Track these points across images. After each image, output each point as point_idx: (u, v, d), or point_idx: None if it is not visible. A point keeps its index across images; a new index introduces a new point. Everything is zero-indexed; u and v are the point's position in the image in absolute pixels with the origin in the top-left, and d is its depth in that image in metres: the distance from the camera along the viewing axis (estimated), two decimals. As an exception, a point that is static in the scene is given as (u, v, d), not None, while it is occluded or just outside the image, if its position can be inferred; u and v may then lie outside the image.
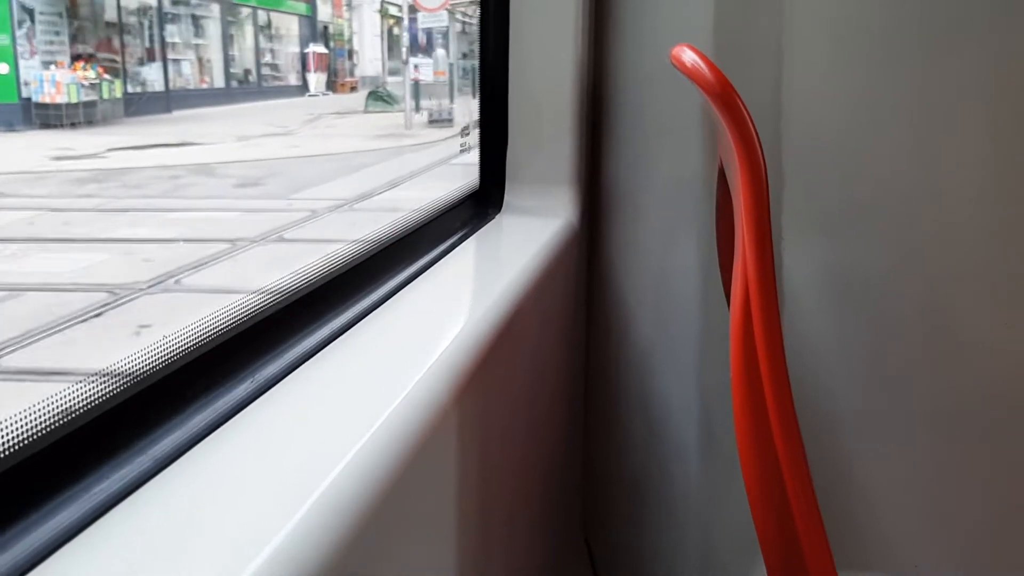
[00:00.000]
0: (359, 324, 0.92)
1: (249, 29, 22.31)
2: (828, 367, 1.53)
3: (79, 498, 0.55)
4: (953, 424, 1.51)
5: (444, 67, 18.66)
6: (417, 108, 17.06)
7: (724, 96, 0.71)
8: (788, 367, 0.82)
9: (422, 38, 20.24)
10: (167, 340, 0.70)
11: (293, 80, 22.62)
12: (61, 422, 0.59)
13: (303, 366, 0.80)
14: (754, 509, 0.84)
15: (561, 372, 1.51)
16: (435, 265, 1.19)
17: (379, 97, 20.31)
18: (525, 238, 1.39)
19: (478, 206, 1.52)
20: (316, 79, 22.18)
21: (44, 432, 0.58)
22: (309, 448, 0.67)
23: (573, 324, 1.58)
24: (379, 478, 0.64)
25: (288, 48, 22.82)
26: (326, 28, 23.53)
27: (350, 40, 24.35)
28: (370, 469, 0.64)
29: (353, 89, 23.63)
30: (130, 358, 0.66)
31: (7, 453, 0.55)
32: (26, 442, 0.56)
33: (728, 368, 0.84)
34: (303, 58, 22.36)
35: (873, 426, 1.54)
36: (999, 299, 1.47)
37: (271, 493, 0.60)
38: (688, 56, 0.75)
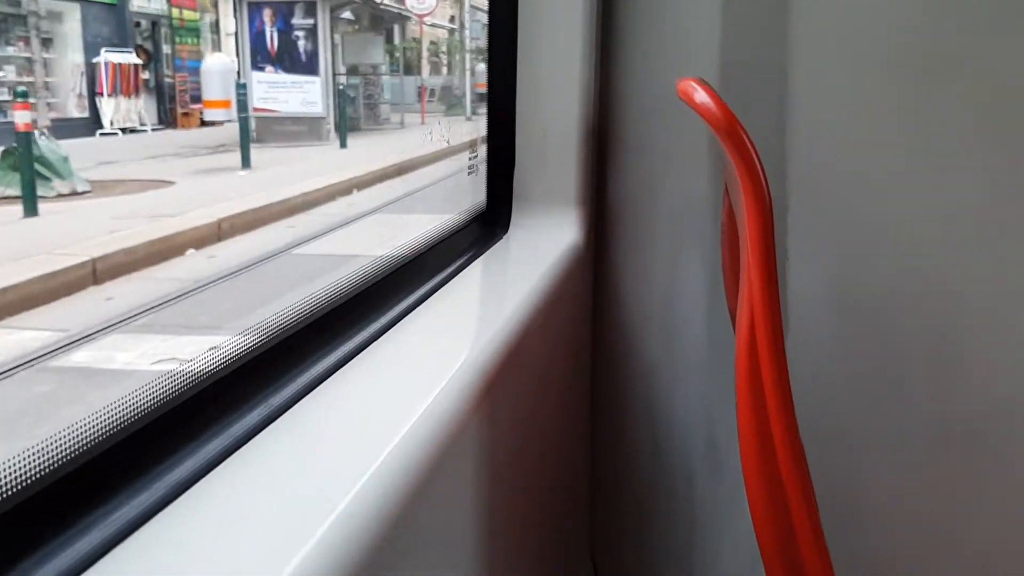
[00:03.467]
0: (368, 349, 0.94)
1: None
2: (832, 384, 1.54)
3: (98, 525, 0.56)
4: (958, 440, 1.52)
5: (318, 95, 12.71)
6: (246, 162, 9.70)
7: (731, 132, 0.73)
8: (792, 385, 0.83)
9: (274, 40, 13.30)
10: (182, 368, 0.72)
11: (74, 109, 12.18)
12: (79, 450, 0.60)
13: (314, 392, 0.81)
14: (757, 527, 0.85)
15: (567, 392, 1.52)
16: (443, 288, 1.20)
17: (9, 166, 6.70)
18: (532, 259, 1.40)
19: (485, 227, 1.54)
20: (115, 107, 12.03)
21: (62, 461, 0.59)
22: (322, 473, 0.68)
23: (579, 345, 1.59)
24: (391, 501, 0.65)
25: (69, 57, 12.27)
26: (155, 25, 13.90)
27: (216, 44, 14.97)
28: (382, 493, 0.65)
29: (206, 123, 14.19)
30: (146, 386, 0.68)
31: (27, 483, 0.56)
32: (44, 472, 0.57)
33: (733, 388, 0.85)
34: (91, 73, 12.18)
35: (878, 442, 1.54)
36: (1003, 316, 1.48)
37: (286, 518, 0.61)
38: (696, 92, 0.76)
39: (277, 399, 0.77)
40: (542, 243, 1.47)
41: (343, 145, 12.34)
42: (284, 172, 10.39)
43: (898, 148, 1.47)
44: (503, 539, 1.06)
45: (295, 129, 12.59)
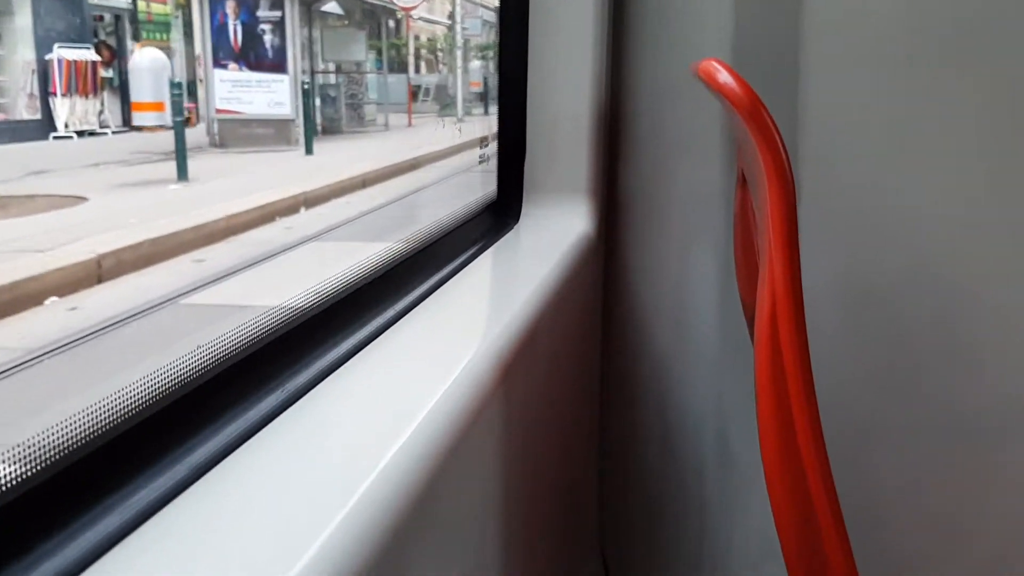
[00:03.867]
0: (382, 336, 0.93)
1: None
2: (844, 378, 1.53)
3: (118, 507, 0.56)
4: (973, 433, 1.51)
5: (286, 95, 11.47)
6: (183, 173, 8.49)
7: (754, 112, 0.72)
8: None
9: (238, 34, 11.86)
10: (200, 351, 0.71)
11: (25, 110, 11.02)
12: (98, 433, 0.60)
13: (329, 377, 0.81)
14: (778, 519, 0.84)
15: (578, 383, 1.52)
16: (455, 276, 1.20)
17: None
18: (543, 250, 1.39)
19: (496, 216, 1.53)
20: (70, 108, 10.85)
21: (82, 443, 0.58)
22: (339, 459, 0.68)
23: (590, 335, 1.59)
24: (407, 488, 0.65)
25: (20, 53, 10.97)
26: (118, 19, 12.66)
27: (187, 36, 13.11)
28: (399, 479, 0.65)
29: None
30: (166, 367, 0.67)
31: (47, 464, 0.55)
32: (64, 453, 0.57)
33: (746, 379, 0.84)
34: (43, 71, 10.87)
35: (891, 436, 1.54)
36: (1016, 308, 1.47)
37: (303, 503, 0.60)
38: (718, 73, 0.75)
39: (293, 384, 0.77)
40: (553, 233, 1.46)
41: (308, 151, 11.26)
42: (225, 186, 8.81)
43: (913, 139, 1.46)
44: (514, 528, 1.05)
45: (262, 132, 11.49)
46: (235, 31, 11.96)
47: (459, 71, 17.43)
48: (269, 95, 11.74)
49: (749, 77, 1.47)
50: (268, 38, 12.00)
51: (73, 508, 0.54)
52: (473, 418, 0.82)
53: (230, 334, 0.74)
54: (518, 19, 1.50)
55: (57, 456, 0.56)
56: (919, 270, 1.49)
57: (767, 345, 0.78)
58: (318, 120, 14.03)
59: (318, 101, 14.23)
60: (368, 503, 0.61)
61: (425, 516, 0.69)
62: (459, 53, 18.03)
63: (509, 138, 1.54)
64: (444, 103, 17.72)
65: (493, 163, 1.57)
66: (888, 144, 1.48)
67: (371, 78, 17.15)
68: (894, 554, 1.55)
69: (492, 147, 1.60)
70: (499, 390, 0.90)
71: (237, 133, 11.40)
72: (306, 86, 11.93)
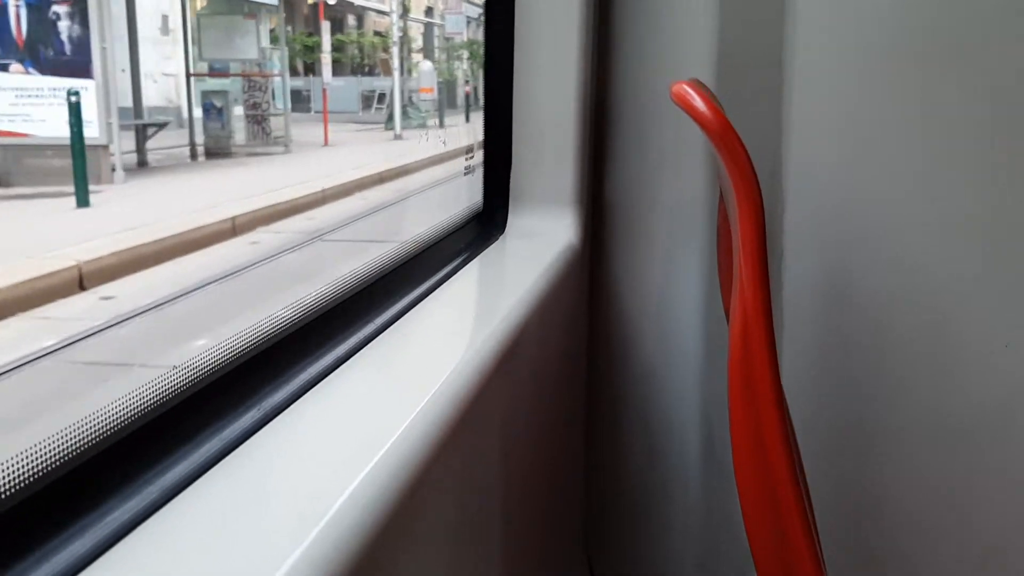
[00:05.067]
0: (364, 350, 0.94)
1: None
2: (828, 385, 1.55)
3: (90, 528, 0.57)
4: (954, 440, 1.52)
5: (92, 108, 7.18)
6: None
7: (725, 138, 0.73)
8: (790, 385, 0.84)
9: (22, 21, 7.74)
10: (175, 370, 0.72)
11: None
12: (71, 453, 0.60)
13: (308, 393, 0.81)
14: (749, 529, 0.85)
15: (563, 391, 1.53)
16: (439, 288, 1.20)
17: None
18: (528, 260, 1.40)
19: (482, 226, 1.54)
20: None
21: (54, 464, 0.59)
22: (314, 476, 0.69)
23: (575, 344, 1.60)
24: (384, 503, 0.66)
25: None
26: None
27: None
28: (375, 494, 0.65)
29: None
30: (139, 388, 0.68)
31: (18, 486, 0.56)
32: (36, 475, 0.58)
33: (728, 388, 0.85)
34: None
35: (874, 442, 1.55)
36: (998, 316, 1.48)
37: (277, 522, 0.61)
38: (689, 96, 0.77)
39: (270, 401, 0.78)
40: (539, 243, 1.47)
41: (81, 203, 7.01)
42: None
43: (895, 148, 1.48)
44: (498, 539, 1.06)
45: (59, 164, 7.35)
46: (18, 17, 7.78)
47: (397, 74, 14.63)
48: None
49: (733, 89, 1.49)
50: (66, 27, 7.86)
51: (44, 530, 0.55)
52: (455, 429, 0.82)
53: (207, 353, 0.74)
54: (504, 30, 1.51)
55: (30, 477, 0.57)
56: (903, 278, 1.50)
57: (738, 363, 0.80)
58: (200, 138, 11.09)
59: (198, 112, 11.39)
60: (347, 517, 0.61)
61: (406, 528, 0.70)
62: (395, 51, 15.90)
63: (495, 148, 1.55)
64: (393, 114, 14.54)
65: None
66: (873, 154, 1.49)
67: (302, 82, 14.45)
68: (876, 560, 1.56)
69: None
70: (482, 400, 0.91)
71: (23, 165, 7.63)
72: (75, 98, 7.47)
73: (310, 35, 17.24)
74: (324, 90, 14.60)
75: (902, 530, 1.56)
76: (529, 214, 1.54)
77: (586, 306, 1.63)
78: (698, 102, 0.75)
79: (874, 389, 1.53)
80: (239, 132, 12.23)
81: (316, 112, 15.46)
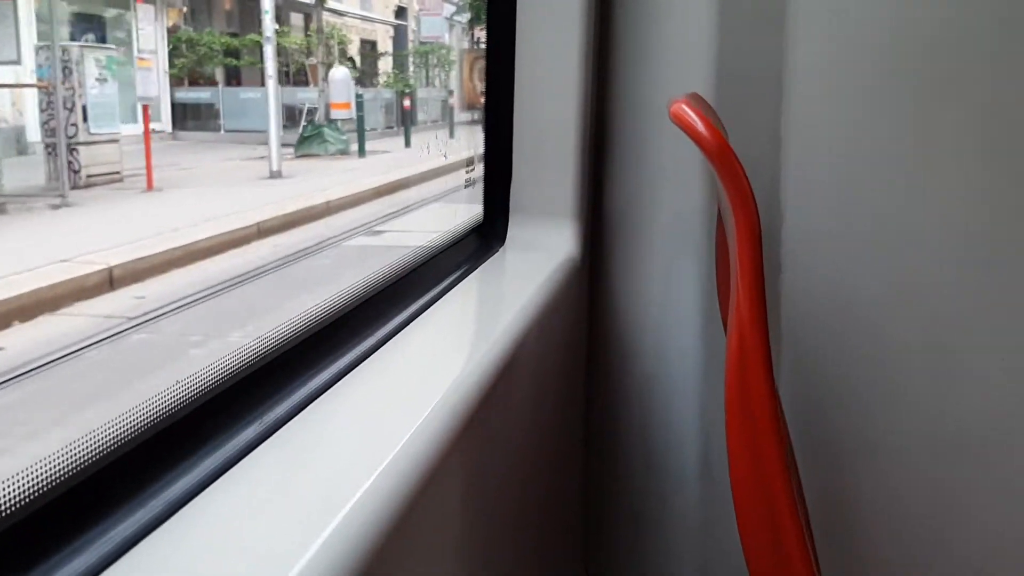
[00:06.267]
0: (364, 364, 0.94)
1: None
2: (828, 396, 1.55)
3: (94, 543, 0.57)
4: (953, 451, 1.52)
5: None
6: None
7: (721, 157, 0.74)
8: (788, 396, 0.84)
9: None
10: (178, 385, 0.73)
11: None
12: (76, 469, 0.61)
13: (309, 407, 0.82)
14: (745, 541, 0.86)
15: (562, 404, 1.53)
16: (439, 301, 1.21)
17: None
18: (528, 272, 1.41)
19: (482, 239, 1.55)
20: None
21: (59, 479, 0.60)
22: (315, 490, 0.69)
23: (574, 357, 1.60)
24: (385, 517, 0.66)
25: None
26: None
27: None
28: (377, 507, 0.66)
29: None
30: (143, 403, 0.69)
31: (24, 502, 0.57)
32: (41, 491, 0.58)
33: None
34: None
35: (873, 453, 1.55)
36: (997, 327, 1.49)
37: (278, 536, 0.62)
38: (687, 115, 0.77)
39: (271, 416, 0.78)
40: (538, 256, 1.48)
41: None
42: None
43: (894, 160, 1.48)
44: (498, 553, 1.07)
45: None
46: None
47: (271, 83, 11.21)
48: None
49: (732, 102, 1.50)
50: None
51: (49, 544, 0.56)
52: (455, 442, 0.83)
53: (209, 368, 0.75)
54: (505, 44, 1.52)
55: (35, 493, 0.58)
56: (902, 289, 1.51)
57: (735, 378, 0.80)
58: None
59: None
60: (348, 529, 0.62)
61: (406, 541, 0.70)
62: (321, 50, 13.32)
63: (495, 159, 1.56)
64: (308, 134, 12.11)
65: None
66: (871, 166, 1.50)
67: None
68: (873, 572, 1.57)
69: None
70: (482, 413, 0.91)
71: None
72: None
73: (234, 35, 14.13)
74: (145, 107, 9.53)
75: (898, 540, 1.56)
76: (529, 226, 1.55)
77: (586, 318, 1.64)
78: (696, 122, 0.76)
79: (871, 400, 1.54)
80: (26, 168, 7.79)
81: (228, 131, 12.29)
